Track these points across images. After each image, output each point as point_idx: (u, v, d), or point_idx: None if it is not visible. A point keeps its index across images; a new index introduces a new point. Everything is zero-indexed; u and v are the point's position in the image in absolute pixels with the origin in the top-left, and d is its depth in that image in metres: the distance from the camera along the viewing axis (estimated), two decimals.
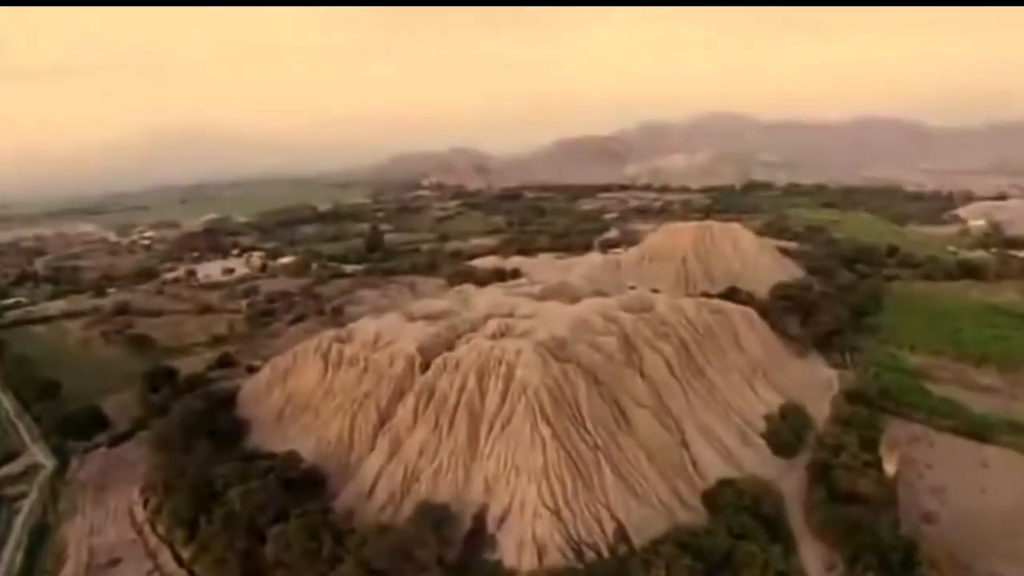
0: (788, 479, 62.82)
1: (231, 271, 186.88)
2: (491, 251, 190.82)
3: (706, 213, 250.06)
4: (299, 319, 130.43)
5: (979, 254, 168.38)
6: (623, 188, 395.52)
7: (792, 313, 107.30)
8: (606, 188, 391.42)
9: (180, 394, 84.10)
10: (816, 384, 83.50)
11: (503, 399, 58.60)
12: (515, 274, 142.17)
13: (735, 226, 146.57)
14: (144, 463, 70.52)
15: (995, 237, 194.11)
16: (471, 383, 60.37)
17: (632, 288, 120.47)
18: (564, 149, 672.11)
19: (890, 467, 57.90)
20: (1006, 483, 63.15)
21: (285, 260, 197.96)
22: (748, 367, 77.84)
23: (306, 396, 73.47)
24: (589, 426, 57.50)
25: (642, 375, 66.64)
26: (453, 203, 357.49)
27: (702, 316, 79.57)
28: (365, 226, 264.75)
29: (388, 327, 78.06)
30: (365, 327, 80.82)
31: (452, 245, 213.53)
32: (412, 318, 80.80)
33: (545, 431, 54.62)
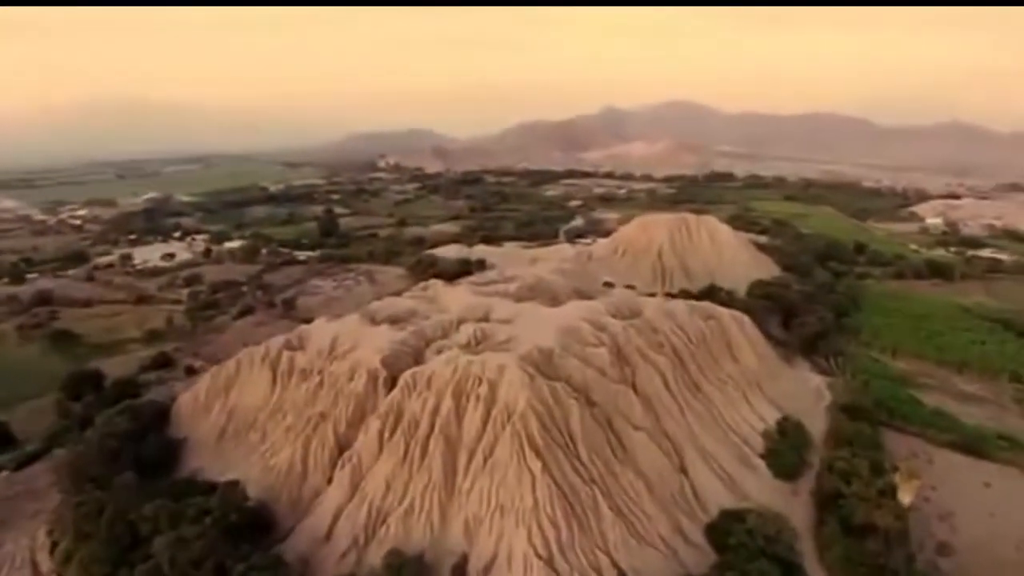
0: (793, 506, 57.56)
1: (172, 256, 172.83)
2: (454, 238, 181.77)
3: (672, 203, 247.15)
4: (246, 312, 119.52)
5: (941, 253, 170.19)
6: (585, 175, 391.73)
7: (774, 314, 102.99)
8: (569, 174, 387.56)
9: (106, 402, 73.22)
10: (807, 394, 78.74)
11: (484, 425, 50.79)
12: (481, 265, 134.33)
13: (711, 219, 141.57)
14: (55, 492, 59.91)
15: (953, 236, 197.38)
16: (446, 405, 52.24)
17: (608, 284, 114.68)
18: (524, 133, 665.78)
19: (907, 497, 53.11)
20: (1014, 507, 59.74)
21: (232, 244, 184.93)
22: (743, 378, 72.12)
23: (251, 413, 63.67)
24: (583, 456, 50.36)
25: (636, 391, 59.94)
26: (412, 186, 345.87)
27: (694, 322, 73.38)
28: (319, 209, 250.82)
29: (346, 331, 68.98)
30: (320, 330, 71.57)
31: (412, 231, 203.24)
32: (374, 320, 71.89)
33: (534, 464, 47.20)
